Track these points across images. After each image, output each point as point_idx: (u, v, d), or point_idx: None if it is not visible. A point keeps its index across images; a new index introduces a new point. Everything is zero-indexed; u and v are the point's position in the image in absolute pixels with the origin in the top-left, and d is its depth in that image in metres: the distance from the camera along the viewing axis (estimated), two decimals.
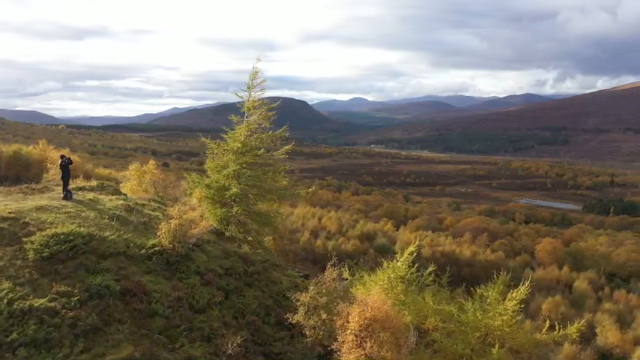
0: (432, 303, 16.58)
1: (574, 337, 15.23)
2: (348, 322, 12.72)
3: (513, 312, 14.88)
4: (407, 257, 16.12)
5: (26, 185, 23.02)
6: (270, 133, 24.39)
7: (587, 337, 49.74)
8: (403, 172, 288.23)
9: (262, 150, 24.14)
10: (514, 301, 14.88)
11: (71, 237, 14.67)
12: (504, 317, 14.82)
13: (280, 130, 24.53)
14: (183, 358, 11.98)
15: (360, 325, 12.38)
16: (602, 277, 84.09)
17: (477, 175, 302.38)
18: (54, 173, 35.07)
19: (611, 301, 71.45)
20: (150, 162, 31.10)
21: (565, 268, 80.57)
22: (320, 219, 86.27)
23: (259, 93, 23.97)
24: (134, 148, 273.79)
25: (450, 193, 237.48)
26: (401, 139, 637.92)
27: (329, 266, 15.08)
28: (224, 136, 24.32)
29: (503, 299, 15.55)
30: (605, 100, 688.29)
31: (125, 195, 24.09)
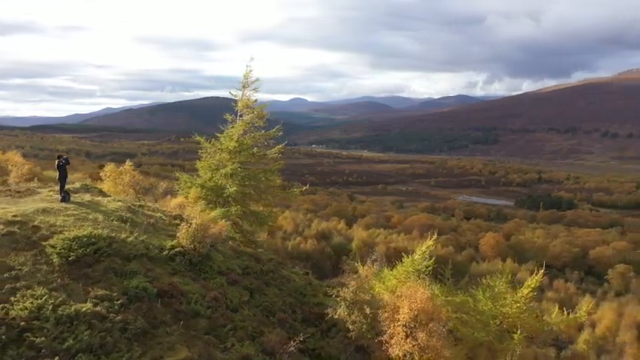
0: (440, 294, 17.33)
1: (583, 319, 16.46)
2: (398, 314, 13.11)
3: (526, 299, 15.87)
4: (425, 252, 16.73)
5: (7, 188, 21.58)
6: (263, 132, 24.31)
7: None
8: (346, 172, 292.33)
9: (256, 149, 24.02)
10: (529, 289, 15.89)
11: (93, 240, 14.05)
12: (518, 304, 15.78)
13: (274, 130, 24.49)
14: (239, 358, 11.87)
15: (410, 317, 12.80)
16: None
17: (416, 174, 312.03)
18: (15, 176, 33.09)
19: (552, 290, 76.83)
20: (127, 163, 30.06)
21: (508, 260, 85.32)
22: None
23: (252, 92, 23.85)
24: (66, 149, 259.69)
25: (391, 191, 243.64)
26: (340, 139, 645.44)
27: (369, 262, 15.41)
28: (218, 135, 23.99)
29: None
30: (530, 101, 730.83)
31: (113, 196, 23.16)
